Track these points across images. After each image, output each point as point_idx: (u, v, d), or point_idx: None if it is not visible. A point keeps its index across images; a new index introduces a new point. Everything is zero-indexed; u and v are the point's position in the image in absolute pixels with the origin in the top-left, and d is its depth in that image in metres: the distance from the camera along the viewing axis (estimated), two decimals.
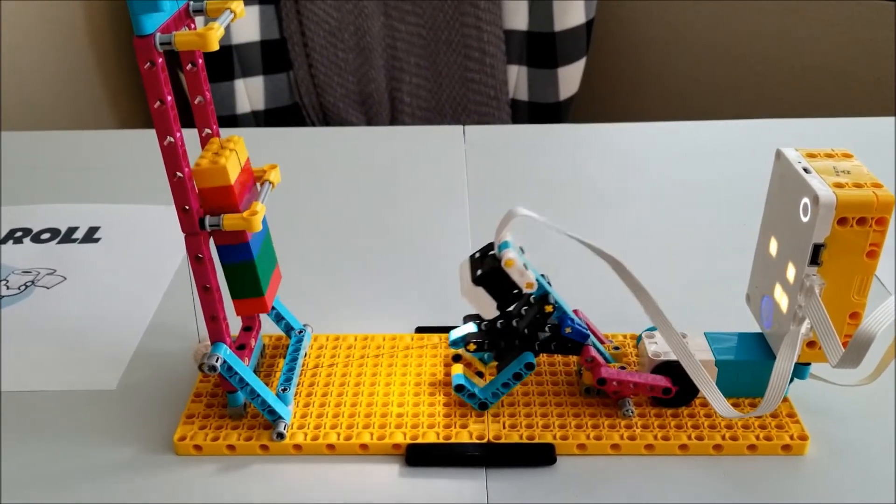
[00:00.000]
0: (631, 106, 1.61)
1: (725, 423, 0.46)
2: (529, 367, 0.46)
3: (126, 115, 1.47)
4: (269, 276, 0.46)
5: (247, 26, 1.40)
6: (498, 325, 0.47)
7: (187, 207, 0.41)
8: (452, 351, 0.50)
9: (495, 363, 0.49)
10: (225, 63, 1.39)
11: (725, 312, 0.51)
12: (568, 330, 0.46)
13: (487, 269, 0.43)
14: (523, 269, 0.43)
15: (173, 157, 0.39)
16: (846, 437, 0.46)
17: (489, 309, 0.44)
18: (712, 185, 0.77)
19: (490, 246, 0.44)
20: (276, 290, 0.47)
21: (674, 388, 0.46)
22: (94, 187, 0.78)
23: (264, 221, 0.45)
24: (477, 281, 0.43)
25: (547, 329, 0.46)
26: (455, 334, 0.48)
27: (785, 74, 1.46)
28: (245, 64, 1.41)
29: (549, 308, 0.45)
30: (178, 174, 0.40)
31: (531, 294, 0.45)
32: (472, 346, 0.47)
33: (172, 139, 0.39)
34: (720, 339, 0.48)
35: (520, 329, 0.46)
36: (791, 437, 0.45)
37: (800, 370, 0.46)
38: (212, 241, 0.43)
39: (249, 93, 1.43)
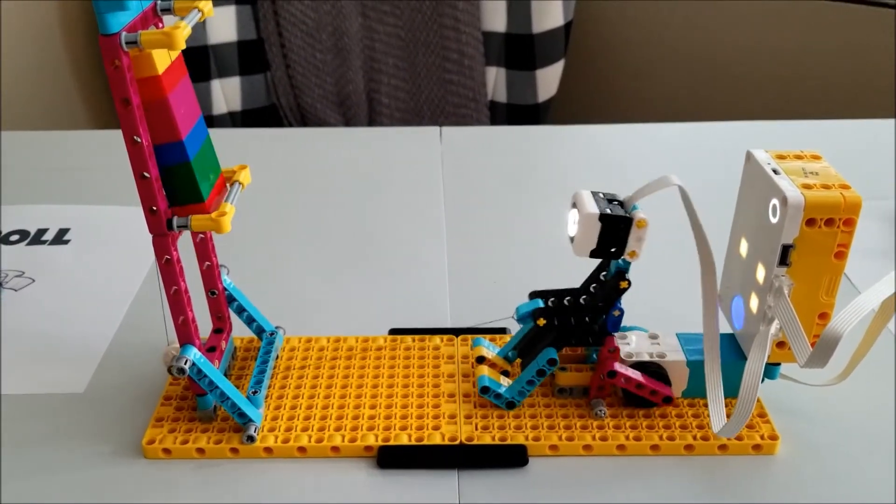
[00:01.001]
0: (609, 108, 1.62)
1: (697, 423, 0.46)
2: (552, 363, 0.46)
3: (98, 115, 1.46)
4: (212, 182, 0.43)
5: (223, 26, 1.39)
6: (566, 301, 0.46)
7: (154, 208, 0.40)
8: (476, 352, 0.49)
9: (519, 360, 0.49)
10: (201, 63, 1.38)
11: (697, 313, 0.51)
12: (616, 313, 0.46)
13: (619, 215, 0.42)
14: (643, 236, 0.42)
15: (140, 158, 0.39)
16: (816, 436, 0.47)
17: (587, 245, 0.43)
18: (693, 187, 0.77)
19: (605, 195, 0.44)
20: (221, 201, 0.44)
21: (674, 397, 0.47)
22: (64, 188, 0.77)
23: (203, 127, 0.43)
24: (603, 218, 0.42)
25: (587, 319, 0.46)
26: (523, 308, 0.47)
27: (765, 76, 1.47)
28: (221, 64, 1.40)
29: (623, 284, 0.44)
30: (145, 174, 0.39)
31: (618, 264, 0.44)
32: (541, 322, 0.46)
33: (139, 139, 0.38)
34: (692, 340, 0.48)
35: (597, 300, 0.45)
36: (761, 437, 0.45)
37: (770, 370, 0.46)
38: (182, 244, 0.42)
39: (226, 93, 1.42)
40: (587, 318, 0.46)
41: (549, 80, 1.45)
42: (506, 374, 0.49)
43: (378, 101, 1.48)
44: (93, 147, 0.87)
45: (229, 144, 0.88)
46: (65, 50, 1.38)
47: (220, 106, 1.42)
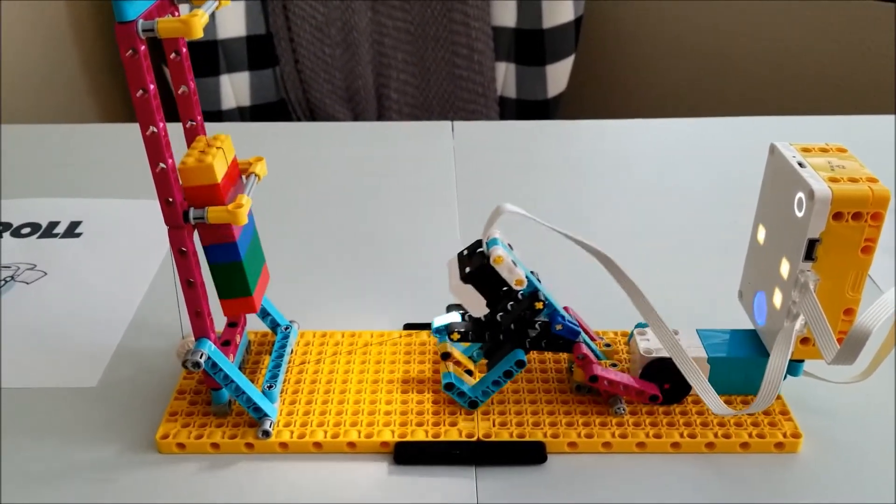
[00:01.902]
0: (620, 103, 1.61)
1: (718, 420, 0.46)
2: (520, 364, 0.45)
3: (110, 109, 1.45)
4: (258, 275, 0.45)
5: (232, 21, 1.38)
6: (483, 317, 0.46)
7: (171, 199, 0.40)
8: (442, 348, 0.49)
9: (485, 361, 0.48)
10: (210, 58, 1.38)
11: (718, 309, 0.51)
12: (558, 327, 0.45)
13: (476, 267, 0.42)
14: (512, 266, 0.42)
15: (156, 148, 0.38)
16: (839, 434, 0.46)
17: (478, 307, 0.43)
18: (703, 182, 0.77)
19: (478, 243, 0.44)
20: (265, 289, 0.46)
21: (661, 396, 0.46)
22: (76, 181, 0.77)
23: (251, 220, 0.45)
24: (466, 278, 0.42)
25: (537, 326, 0.45)
26: (438, 322, 0.47)
27: (775, 72, 1.46)
28: (230, 59, 1.40)
29: (539, 305, 0.44)
30: (162, 165, 0.39)
31: (520, 291, 0.44)
32: (455, 336, 0.46)
33: (155, 129, 0.38)
34: (712, 336, 0.48)
35: (504, 325, 0.45)
36: (784, 435, 0.45)
37: (793, 367, 0.46)
38: (197, 238, 0.42)
39: (235, 88, 1.42)
40: (500, 338, 0.45)
41: (559, 75, 1.45)
42: (469, 373, 0.49)
43: (387, 97, 1.48)
44: (104, 140, 0.87)
45: (239, 139, 0.88)
46: (75, 43, 1.38)
47: (229, 101, 1.42)
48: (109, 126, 0.94)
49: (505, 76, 1.46)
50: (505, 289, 0.43)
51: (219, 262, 0.42)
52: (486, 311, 0.43)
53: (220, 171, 0.41)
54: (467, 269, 0.42)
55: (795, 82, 1.45)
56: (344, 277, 0.62)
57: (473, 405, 0.46)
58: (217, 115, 1.40)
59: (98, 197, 0.73)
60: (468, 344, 0.48)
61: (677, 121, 0.92)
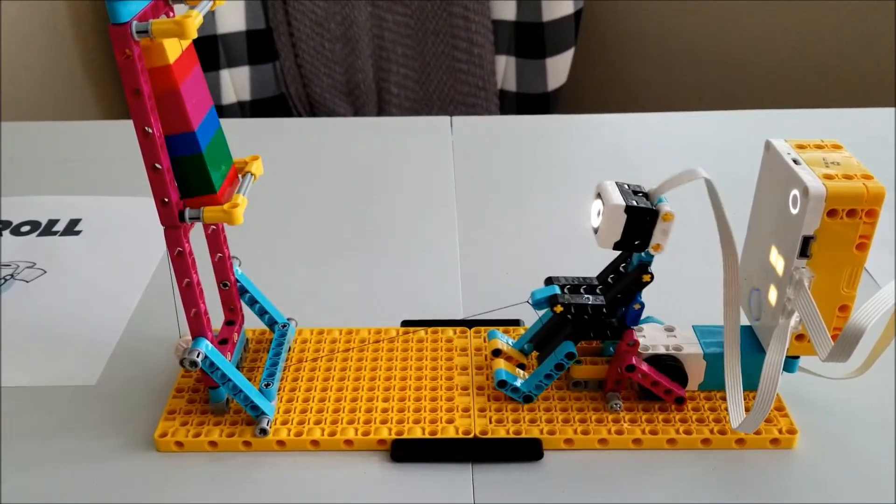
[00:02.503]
0: (620, 96, 1.61)
1: (714, 416, 0.46)
2: (570, 356, 0.45)
3: (110, 106, 1.45)
4: (224, 173, 0.43)
5: (232, 16, 1.38)
6: (582, 290, 0.46)
7: (166, 200, 0.40)
8: (492, 345, 0.49)
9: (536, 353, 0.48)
10: (210, 53, 1.38)
11: (713, 305, 0.51)
12: (637, 307, 0.45)
13: (646, 207, 0.41)
14: (669, 230, 0.41)
15: (151, 148, 0.39)
16: (835, 430, 0.46)
17: (611, 237, 0.42)
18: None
19: (629, 186, 0.43)
20: (233, 192, 0.43)
21: (686, 399, 0.46)
22: (75, 179, 0.77)
23: (214, 117, 0.43)
24: (629, 210, 0.41)
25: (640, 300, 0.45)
26: (538, 294, 0.46)
27: (775, 65, 1.46)
28: (231, 54, 1.40)
29: (646, 277, 0.44)
30: (157, 165, 0.39)
31: (641, 256, 0.44)
32: (558, 308, 0.45)
33: (150, 129, 0.38)
34: (709, 333, 0.48)
35: (615, 293, 0.44)
36: (780, 431, 0.45)
37: (788, 363, 0.46)
38: (193, 237, 0.42)
39: (235, 83, 1.42)
40: (604, 311, 0.45)
41: (559, 68, 1.44)
42: (521, 366, 0.49)
43: (387, 91, 1.47)
44: (104, 137, 0.87)
45: (238, 135, 0.88)
46: (75, 40, 1.38)
47: (230, 95, 1.42)
48: (109, 123, 0.94)
49: (505, 69, 1.46)
50: (638, 243, 0.42)
51: (180, 155, 0.40)
52: (610, 246, 0.42)
53: (173, 53, 0.39)
54: (635, 203, 0.41)
55: (796, 76, 1.45)
56: (342, 274, 0.62)
57: (528, 399, 0.47)
58: (217, 111, 1.40)
59: (98, 194, 0.73)
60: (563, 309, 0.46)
61: (675, 114, 0.92)
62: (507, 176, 0.78)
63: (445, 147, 0.83)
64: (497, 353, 0.49)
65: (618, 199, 0.41)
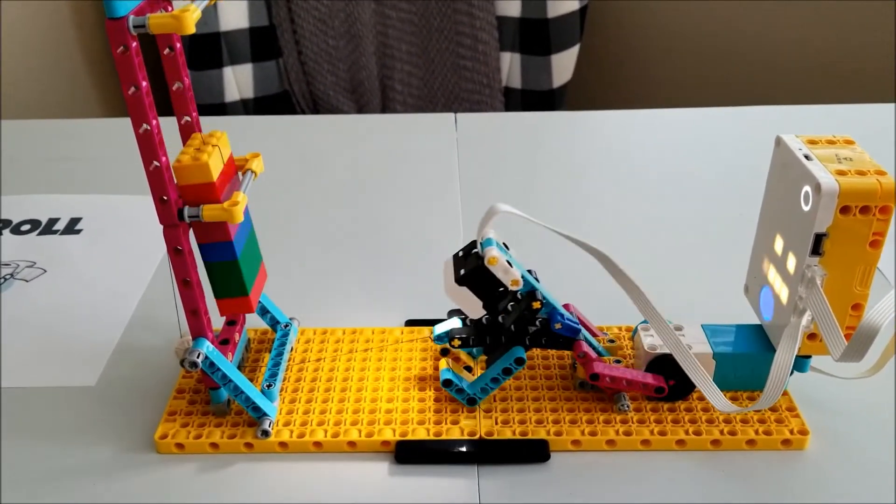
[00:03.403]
0: (626, 93, 1.60)
1: (723, 417, 0.45)
2: (519, 362, 0.45)
3: (111, 103, 1.45)
4: (255, 274, 0.44)
5: (235, 13, 1.38)
6: (483, 320, 0.45)
7: (165, 198, 0.39)
8: (441, 344, 0.48)
9: (484, 357, 0.47)
10: (213, 50, 1.37)
11: (723, 304, 0.50)
12: (558, 326, 0.44)
13: (471, 268, 0.42)
14: (507, 266, 0.41)
15: (149, 146, 0.38)
16: (847, 431, 0.45)
17: (475, 308, 0.43)
18: (709, 174, 0.76)
19: (473, 244, 0.43)
20: (262, 288, 0.46)
21: (667, 388, 0.45)
22: (76, 177, 0.76)
23: (248, 217, 0.44)
24: (461, 280, 0.42)
25: (537, 324, 0.44)
26: (439, 329, 0.47)
27: (782, 61, 1.45)
28: (233, 51, 1.39)
29: (536, 304, 0.44)
30: (155, 163, 0.38)
31: (518, 291, 0.43)
32: (456, 342, 0.45)
33: (148, 127, 0.37)
34: (718, 332, 0.47)
35: (506, 326, 0.44)
36: (791, 432, 0.44)
37: (800, 363, 0.45)
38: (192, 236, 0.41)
39: (238, 80, 1.41)
40: (503, 339, 0.45)
41: (564, 65, 1.43)
42: (468, 369, 0.48)
43: (391, 88, 1.47)
44: (105, 135, 0.86)
45: (241, 132, 0.87)
46: (76, 37, 1.37)
47: (233, 93, 1.41)
48: (110, 121, 0.94)
49: (510, 66, 1.45)
50: (501, 289, 0.42)
51: (214, 260, 0.42)
52: (483, 312, 0.43)
53: (216, 169, 0.40)
54: (462, 271, 0.42)
55: (803, 71, 1.44)
56: (344, 273, 0.61)
57: (472, 402, 0.46)
58: (220, 108, 1.40)
59: (98, 193, 0.72)
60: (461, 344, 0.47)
61: (682, 111, 0.91)
62: (511, 173, 0.77)
63: (450, 144, 0.83)
64: (445, 352, 0.48)
65: (449, 280, 0.42)
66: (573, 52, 1.44)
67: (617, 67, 1.58)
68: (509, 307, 0.44)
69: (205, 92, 1.38)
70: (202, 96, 1.38)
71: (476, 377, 0.46)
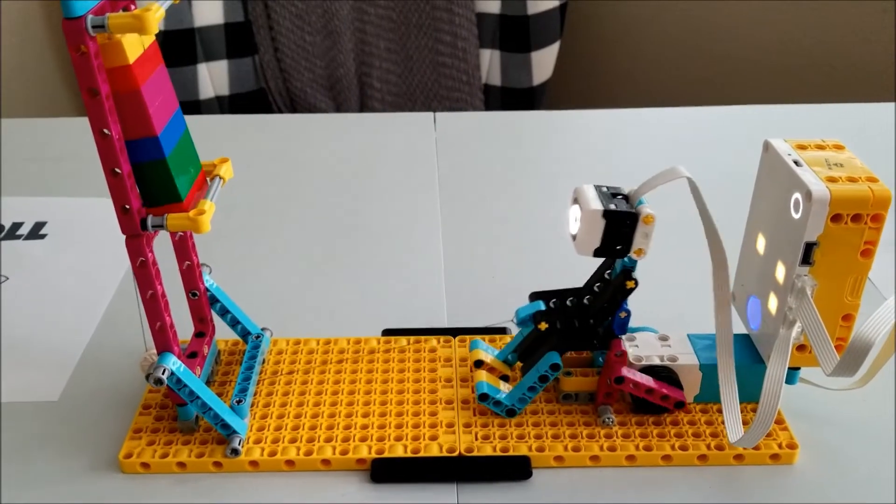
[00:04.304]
0: (606, 91, 1.59)
1: (710, 431, 0.44)
2: (555, 368, 0.43)
3: (80, 102, 1.41)
4: (191, 178, 0.40)
5: (210, 8, 1.35)
6: (568, 302, 0.44)
7: (127, 207, 0.37)
8: (474, 356, 0.46)
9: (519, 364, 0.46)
10: (187, 46, 1.34)
11: (709, 313, 0.49)
12: (623, 315, 0.43)
13: (625, 210, 0.39)
14: (651, 233, 0.39)
15: (110, 152, 0.36)
16: (837, 444, 0.44)
17: (590, 243, 0.39)
18: (694, 176, 0.74)
19: (608, 188, 0.40)
20: (200, 197, 0.40)
21: (686, 403, 0.44)
22: (41, 179, 0.74)
23: (181, 119, 0.40)
24: (608, 214, 0.39)
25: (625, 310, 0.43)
26: (522, 312, 0.44)
27: (767, 59, 1.44)
28: (208, 47, 1.36)
29: (630, 284, 0.41)
30: (116, 170, 0.36)
31: (612, 268, 0.42)
32: (543, 326, 0.43)
33: (108, 132, 0.35)
34: (704, 342, 0.46)
35: (601, 302, 0.42)
36: (779, 446, 0.43)
37: (789, 375, 0.44)
38: (157, 246, 0.39)
39: (213, 77, 1.38)
40: (591, 321, 0.43)
41: (544, 62, 1.42)
42: (505, 378, 0.46)
43: (369, 85, 1.44)
44: (72, 135, 0.83)
45: (213, 132, 0.85)
46: (45, 33, 1.34)
47: (207, 90, 1.38)
48: (78, 120, 0.91)
49: (489, 63, 1.43)
50: (619, 248, 0.40)
51: (142, 160, 0.37)
52: (589, 253, 0.40)
53: (133, 52, 0.36)
54: (614, 206, 0.39)
55: (789, 70, 1.43)
56: (319, 279, 0.59)
57: (511, 413, 0.44)
58: (195, 106, 1.37)
59: (64, 196, 0.70)
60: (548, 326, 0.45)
61: (666, 110, 0.89)
62: (492, 174, 0.75)
63: (429, 144, 0.81)
64: (479, 364, 0.46)
65: (595, 204, 0.39)
66: (553, 49, 1.42)
67: (598, 65, 1.57)
68: (596, 287, 0.43)
69: (178, 89, 1.34)
70: (176, 93, 1.35)
71: (513, 387, 0.45)
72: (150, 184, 0.38)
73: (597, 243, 0.40)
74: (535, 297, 0.45)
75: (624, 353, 0.43)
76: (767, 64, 1.44)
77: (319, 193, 0.72)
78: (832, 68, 1.40)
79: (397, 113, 0.93)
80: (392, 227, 0.66)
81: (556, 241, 0.63)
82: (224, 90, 1.40)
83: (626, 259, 0.41)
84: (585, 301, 0.43)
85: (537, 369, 0.43)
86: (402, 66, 1.44)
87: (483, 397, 0.44)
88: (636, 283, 0.42)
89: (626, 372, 0.43)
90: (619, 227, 0.39)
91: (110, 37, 0.35)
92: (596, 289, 0.43)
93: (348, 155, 0.79)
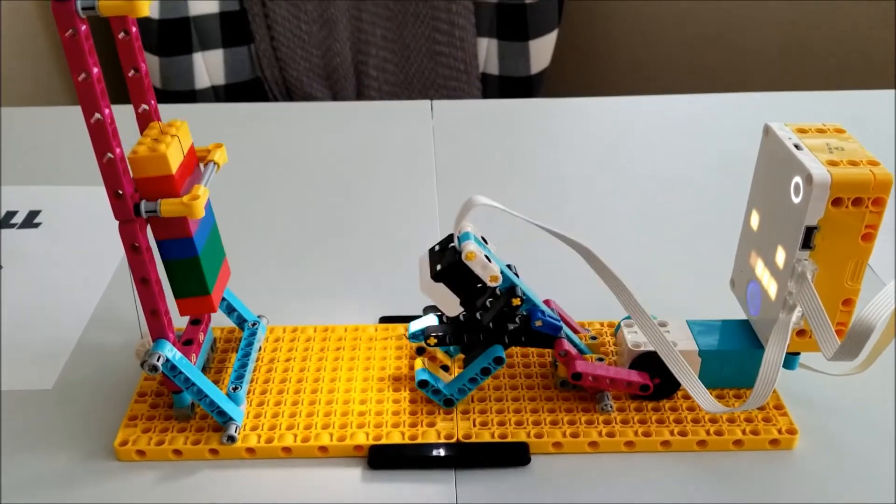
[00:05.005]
0: (605, 80, 1.58)
1: (710, 417, 0.43)
2: (499, 361, 0.43)
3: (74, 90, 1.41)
4: (217, 271, 0.42)
5: None
6: (461, 317, 0.43)
7: (120, 192, 0.37)
8: (416, 343, 0.46)
9: (462, 356, 0.46)
10: (182, 36, 1.33)
11: (708, 298, 0.49)
12: (538, 323, 0.42)
13: (447, 264, 0.39)
14: (486, 261, 0.39)
15: (102, 136, 0.35)
16: (837, 429, 0.44)
17: (452, 306, 0.41)
18: (693, 163, 0.74)
19: (450, 238, 0.41)
20: (225, 286, 0.43)
21: (652, 386, 0.43)
22: (35, 168, 0.73)
23: (209, 211, 0.41)
24: (437, 276, 0.40)
25: (517, 320, 0.42)
26: (414, 327, 0.45)
27: (767, 46, 1.43)
28: (204, 37, 1.35)
29: (516, 301, 0.42)
30: (109, 155, 0.36)
31: (497, 287, 0.41)
32: (432, 340, 0.44)
33: (100, 116, 0.35)
34: (703, 327, 0.45)
35: (484, 323, 0.42)
36: (779, 431, 0.43)
37: (788, 360, 0.43)
38: (150, 232, 0.39)
39: (209, 67, 1.37)
40: (482, 337, 0.43)
41: (542, 50, 1.41)
42: (445, 368, 0.46)
43: (366, 74, 1.44)
44: (67, 123, 0.83)
45: (209, 120, 0.85)
46: (40, 20, 1.33)
47: (203, 80, 1.37)
48: (72, 109, 0.90)
49: (487, 52, 1.42)
50: (480, 285, 0.40)
51: (173, 258, 0.39)
52: (460, 310, 0.41)
53: (175, 161, 0.37)
54: (438, 267, 0.40)
55: (789, 57, 1.42)
56: (316, 267, 0.59)
57: (449, 403, 0.44)
58: (190, 95, 1.36)
59: (59, 184, 0.69)
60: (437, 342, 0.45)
61: (666, 97, 0.89)
62: (489, 162, 0.75)
63: (426, 132, 0.80)
64: (421, 351, 0.46)
65: (426, 278, 0.40)
66: (551, 37, 1.41)
67: (596, 53, 1.56)
68: (488, 303, 0.42)
69: (174, 79, 1.34)
70: (171, 83, 1.34)
71: (453, 377, 0.45)
72: (180, 277, 0.40)
73: (457, 300, 0.41)
74: (428, 310, 0.46)
75: (568, 353, 0.43)
76: (766, 51, 1.43)
77: (316, 182, 0.71)
78: (832, 55, 1.39)
79: (394, 101, 0.92)
80: (389, 215, 0.66)
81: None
82: (220, 80, 1.39)
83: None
84: (478, 317, 0.43)
85: (480, 361, 0.43)
86: (399, 55, 1.43)
87: (422, 384, 0.44)
88: (522, 300, 0.42)
89: (581, 367, 0.43)
90: (457, 277, 0.40)
91: (155, 148, 0.37)
92: (488, 304, 0.42)
93: (345, 143, 0.78)
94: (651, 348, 0.44)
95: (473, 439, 0.42)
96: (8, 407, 0.46)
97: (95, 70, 0.34)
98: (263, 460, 0.42)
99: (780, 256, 0.40)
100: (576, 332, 0.47)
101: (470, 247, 0.39)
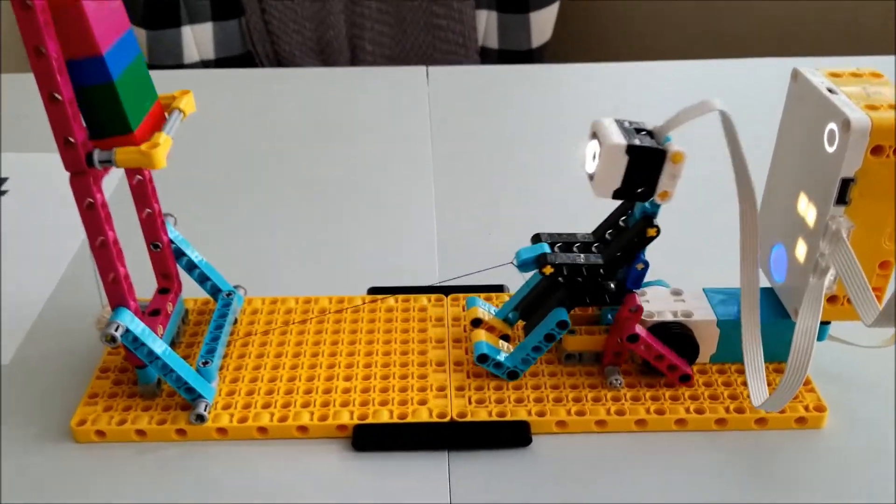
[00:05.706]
0: (608, 53, 1.53)
1: (728, 393, 0.40)
2: (562, 325, 0.39)
3: None
4: (143, 111, 0.35)
5: None
6: (575, 248, 0.39)
7: (70, 139, 0.33)
8: (471, 314, 0.42)
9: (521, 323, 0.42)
10: (171, 8, 1.29)
11: (726, 265, 0.44)
12: (640, 267, 0.38)
13: (651, 147, 0.34)
14: (678, 174, 0.34)
15: (47, 74, 0.31)
16: (869, 407, 0.40)
17: (610, 183, 0.35)
18: (704, 128, 0.70)
19: (630, 123, 0.36)
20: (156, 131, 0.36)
21: (692, 376, 0.39)
22: (2, 135, 0.69)
23: (132, 41, 0.35)
24: (631, 150, 0.34)
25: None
26: (524, 254, 0.40)
27: (776, 11, 1.39)
28: (192, 9, 1.31)
29: (651, 232, 0.37)
30: (56, 96, 0.32)
31: (628, 214, 0.38)
32: (548, 270, 0.38)
33: (44, 49, 0.31)
34: (722, 297, 0.41)
35: (615, 250, 0.38)
36: (806, 409, 0.39)
37: (818, 331, 0.39)
38: (106, 188, 0.35)
39: (198, 40, 1.33)
40: (602, 272, 0.38)
41: (543, 23, 1.37)
42: (506, 338, 0.42)
43: (361, 48, 1.39)
44: (33, 89, 0.78)
45: (197, 86, 0.80)
46: None
47: (192, 54, 1.33)
48: None
49: (486, 25, 1.38)
50: (640, 191, 0.35)
51: (86, 84, 0.33)
52: (608, 194, 0.35)
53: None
54: (638, 142, 0.34)
55: (793, 22, 1.38)
56: (301, 236, 0.55)
57: (514, 376, 0.40)
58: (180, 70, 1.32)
59: (26, 151, 0.65)
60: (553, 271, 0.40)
61: (672, 63, 0.85)
62: (487, 129, 0.71)
63: (421, 99, 0.76)
64: (477, 322, 0.42)
65: (617, 138, 0.34)
66: (553, 9, 1.37)
67: (599, 26, 1.52)
68: (621, 221, 0.38)
69: (163, 53, 1.29)
70: (160, 57, 1.30)
71: (514, 347, 0.40)
72: (96, 112, 0.33)
73: (617, 184, 0.35)
74: (538, 238, 0.40)
75: (639, 309, 0.39)
76: (776, 16, 1.39)
77: (304, 148, 0.67)
78: (834, 21, 1.35)
79: (388, 67, 0.88)
80: (381, 183, 0.62)
81: (554, 196, 0.59)
82: (209, 54, 1.35)
83: (646, 204, 0.37)
84: (594, 249, 0.39)
85: (543, 327, 0.39)
86: (395, 28, 1.39)
87: (482, 358, 0.40)
88: (658, 231, 0.37)
89: (640, 330, 0.39)
90: (644, 165, 0.34)
91: None
92: (608, 236, 0.39)
93: (337, 109, 0.74)
94: (665, 318, 0.40)
95: (469, 418, 0.38)
96: None
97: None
98: (236, 442, 0.38)
99: (811, 214, 0.36)
100: None
101: (678, 148, 0.34)
